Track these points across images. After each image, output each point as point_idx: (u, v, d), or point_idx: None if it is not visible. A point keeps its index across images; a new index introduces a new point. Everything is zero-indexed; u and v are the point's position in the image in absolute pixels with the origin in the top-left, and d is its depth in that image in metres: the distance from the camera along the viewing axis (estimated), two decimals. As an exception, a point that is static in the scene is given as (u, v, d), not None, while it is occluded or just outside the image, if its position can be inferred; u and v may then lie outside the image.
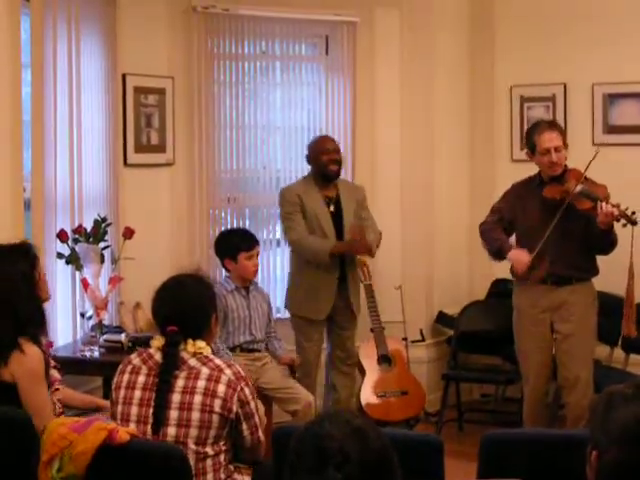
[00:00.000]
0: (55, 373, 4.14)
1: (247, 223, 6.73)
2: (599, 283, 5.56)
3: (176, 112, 6.32)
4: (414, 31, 6.93)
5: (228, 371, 3.49)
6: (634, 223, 5.12)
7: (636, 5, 6.62)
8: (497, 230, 5.54)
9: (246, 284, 5.66)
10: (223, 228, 6.52)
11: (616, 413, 2.04)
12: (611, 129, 6.33)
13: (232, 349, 5.54)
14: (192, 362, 3.49)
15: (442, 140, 7.09)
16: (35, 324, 3.97)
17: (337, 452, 1.91)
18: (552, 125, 5.50)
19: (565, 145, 5.41)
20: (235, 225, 6.68)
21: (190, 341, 3.52)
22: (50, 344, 4.70)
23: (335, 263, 5.94)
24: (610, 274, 5.56)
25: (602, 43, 6.63)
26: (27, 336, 3.88)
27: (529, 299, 5.50)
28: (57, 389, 4.16)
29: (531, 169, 5.54)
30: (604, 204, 5.11)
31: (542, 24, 6.90)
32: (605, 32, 6.63)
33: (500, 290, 6.64)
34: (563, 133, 5.48)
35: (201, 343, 3.55)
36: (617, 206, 5.11)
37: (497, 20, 7.11)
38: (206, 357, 3.52)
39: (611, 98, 6.66)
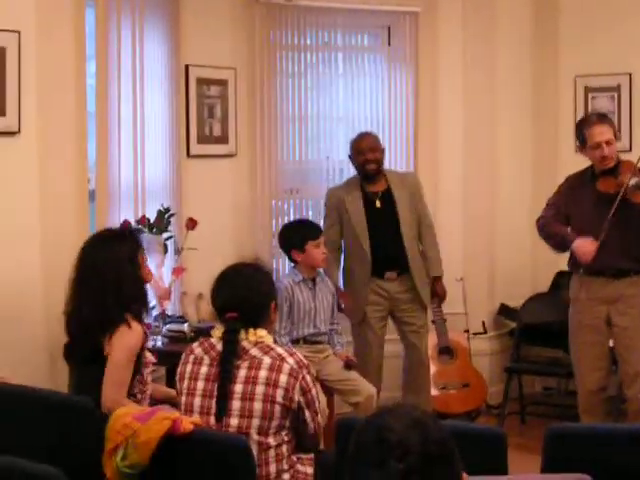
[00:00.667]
0: (149, 355, 4.20)
1: (310, 214, 6.74)
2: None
3: (238, 103, 6.32)
4: (477, 21, 6.89)
5: (290, 360, 3.50)
6: None
7: None
8: (556, 224, 5.45)
9: (313, 275, 5.66)
10: (285, 219, 6.54)
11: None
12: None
13: (296, 341, 5.55)
14: (253, 351, 3.50)
15: (505, 131, 7.04)
16: (139, 303, 4.08)
17: (398, 444, 1.90)
18: (602, 118, 5.40)
19: (617, 137, 5.34)
20: (297, 216, 6.68)
21: (251, 330, 3.53)
22: (149, 326, 4.78)
23: (366, 262, 5.92)
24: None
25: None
26: (132, 314, 3.99)
27: (586, 291, 5.42)
28: (154, 370, 4.24)
29: (594, 160, 5.47)
30: None
31: (607, 13, 6.80)
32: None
33: (564, 282, 6.55)
34: (613, 126, 5.39)
35: (262, 332, 3.56)
36: None
37: (561, 9, 7.03)
38: (268, 346, 3.53)
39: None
